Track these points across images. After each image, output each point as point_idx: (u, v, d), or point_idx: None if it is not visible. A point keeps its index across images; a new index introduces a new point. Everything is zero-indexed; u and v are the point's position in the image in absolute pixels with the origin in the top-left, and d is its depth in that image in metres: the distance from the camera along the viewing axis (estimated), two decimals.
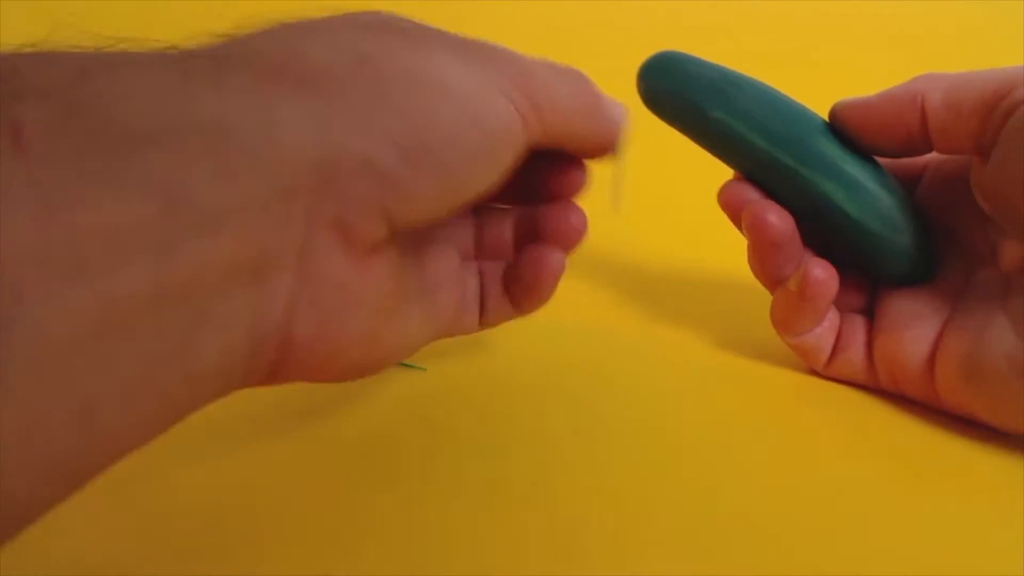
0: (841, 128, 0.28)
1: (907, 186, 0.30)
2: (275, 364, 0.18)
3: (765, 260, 0.29)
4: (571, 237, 0.26)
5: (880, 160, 0.29)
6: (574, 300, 0.34)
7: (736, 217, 0.30)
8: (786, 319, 0.29)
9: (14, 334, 0.13)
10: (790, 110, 0.29)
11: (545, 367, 0.30)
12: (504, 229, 0.27)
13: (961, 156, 0.28)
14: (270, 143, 0.16)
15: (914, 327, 0.28)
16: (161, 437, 0.24)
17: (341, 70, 0.17)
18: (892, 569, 0.21)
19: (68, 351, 0.13)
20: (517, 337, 0.31)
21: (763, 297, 0.31)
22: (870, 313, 0.30)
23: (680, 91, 0.29)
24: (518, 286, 0.26)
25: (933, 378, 0.27)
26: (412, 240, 0.22)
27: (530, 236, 0.26)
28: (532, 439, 0.26)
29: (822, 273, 0.28)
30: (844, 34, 0.59)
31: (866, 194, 0.28)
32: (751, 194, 0.29)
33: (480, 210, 0.27)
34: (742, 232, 0.30)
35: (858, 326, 0.30)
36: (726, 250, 0.36)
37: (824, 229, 0.29)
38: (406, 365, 0.29)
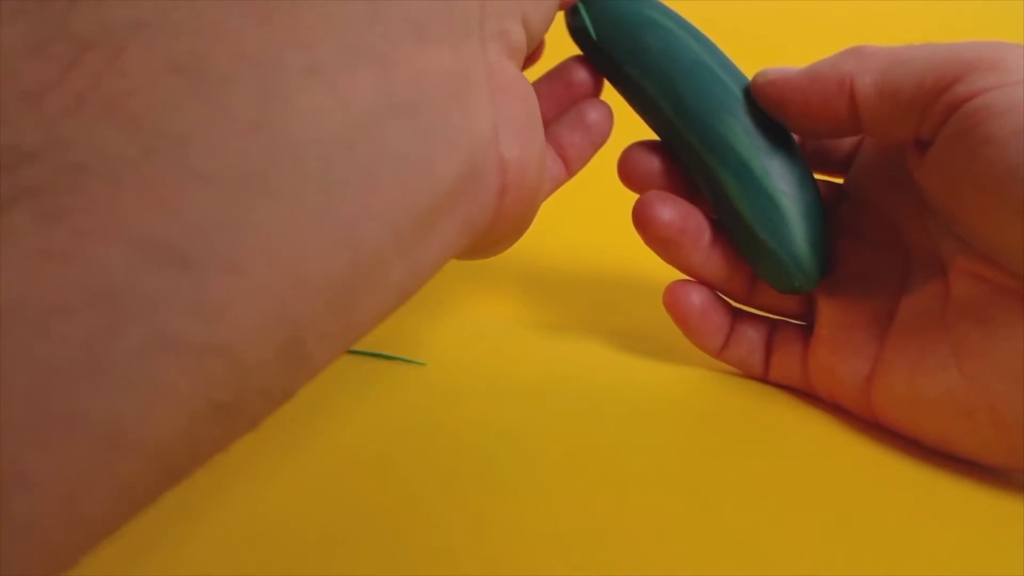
0: (761, 104, 0.26)
1: (838, 164, 0.28)
2: (500, 193, 0.18)
3: (664, 256, 0.28)
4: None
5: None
6: (573, 300, 0.34)
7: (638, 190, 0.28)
8: (688, 337, 0.29)
9: (269, 132, 0.13)
10: (707, 75, 0.26)
11: (544, 365, 0.30)
12: None
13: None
14: None
15: (851, 341, 0.26)
16: None
17: None
18: (882, 570, 0.21)
19: (322, 158, 0.13)
20: (516, 334, 0.31)
21: None
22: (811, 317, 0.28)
23: (599, 34, 0.27)
24: (563, 145, 0.27)
25: (871, 400, 0.26)
26: None
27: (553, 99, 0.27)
28: (530, 436, 0.26)
29: (677, 292, 0.28)
30: (842, 34, 0.59)
31: (762, 195, 0.25)
32: (648, 166, 0.28)
33: None
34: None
35: (793, 334, 0.28)
36: None
37: (721, 218, 0.27)
38: (405, 360, 0.29)
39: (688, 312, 0.28)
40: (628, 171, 0.28)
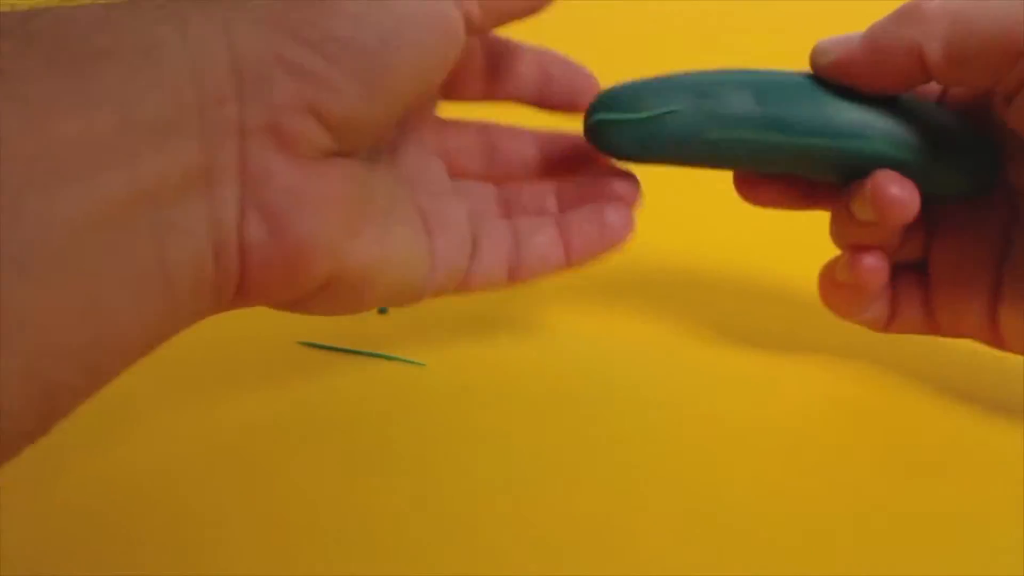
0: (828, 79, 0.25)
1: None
2: (240, 273, 0.19)
3: (882, 237, 0.26)
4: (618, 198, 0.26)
5: None
6: (574, 300, 0.34)
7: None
8: (838, 305, 0.27)
9: (26, 225, 0.15)
10: (774, 85, 0.26)
11: (545, 366, 0.30)
12: (541, 193, 0.27)
13: None
14: (191, 54, 0.17)
15: (971, 277, 0.26)
16: (158, 434, 0.24)
17: None
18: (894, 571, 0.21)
19: (70, 244, 0.15)
20: (517, 335, 0.31)
21: (761, 292, 0.31)
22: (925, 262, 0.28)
23: (658, 122, 0.25)
24: (571, 235, 0.26)
25: (999, 332, 0.26)
26: (402, 171, 0.24)
27: (579, 196, 0.27)
28: (530, 435, 0.26)
29: (875, 262, 0.26)
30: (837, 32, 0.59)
31: (875, 130, 0.25)
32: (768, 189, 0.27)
33: (508, 176, 0.27)
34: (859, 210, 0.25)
35: (913, 285, 0.28)
36: (720, 244, 0.36)
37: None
38: (405, 360, 0.29)
39: (879, 283, 0.26)
40: (753, 199, 0.28)
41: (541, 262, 0.25)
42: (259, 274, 0.19)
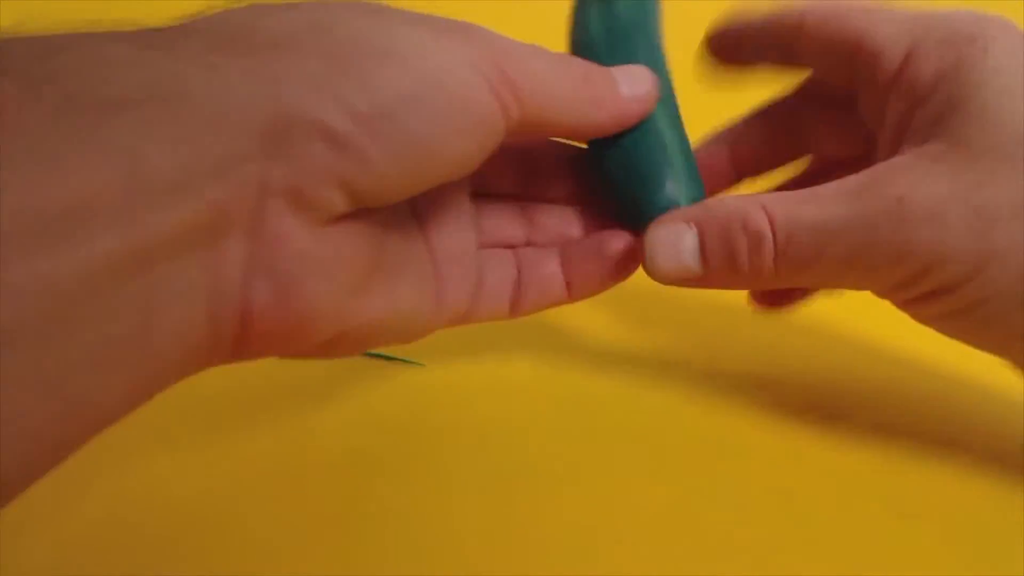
0: None
1: None
2: (238, 336, 0.17)
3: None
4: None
5: None
6: (574, 304, 0.34)
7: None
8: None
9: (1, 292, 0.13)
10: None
11: (544, 368, 0.30)
12: (565, 221, 0.26)
13: None
14: (221, 106, 0.16)
15: None
16: (155, 431, 0.24)
17: (293, 37, 0.17)
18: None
19: (42, 313, 0.14)
20: (516, 333, 0.31)
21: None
22: None
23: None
24: (571, 268, 0.24)
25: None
26: (409, 218, 0.22)
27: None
28: (530, 436, 0.26)
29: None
30: None
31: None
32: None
33: (529, 204, 0.26)
34: None
35: None
36: None
37: None
38: (405, 361, 0.29)
39: None
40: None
41: (542, 296, 0.25)
42: (261, 337, 0.18)
